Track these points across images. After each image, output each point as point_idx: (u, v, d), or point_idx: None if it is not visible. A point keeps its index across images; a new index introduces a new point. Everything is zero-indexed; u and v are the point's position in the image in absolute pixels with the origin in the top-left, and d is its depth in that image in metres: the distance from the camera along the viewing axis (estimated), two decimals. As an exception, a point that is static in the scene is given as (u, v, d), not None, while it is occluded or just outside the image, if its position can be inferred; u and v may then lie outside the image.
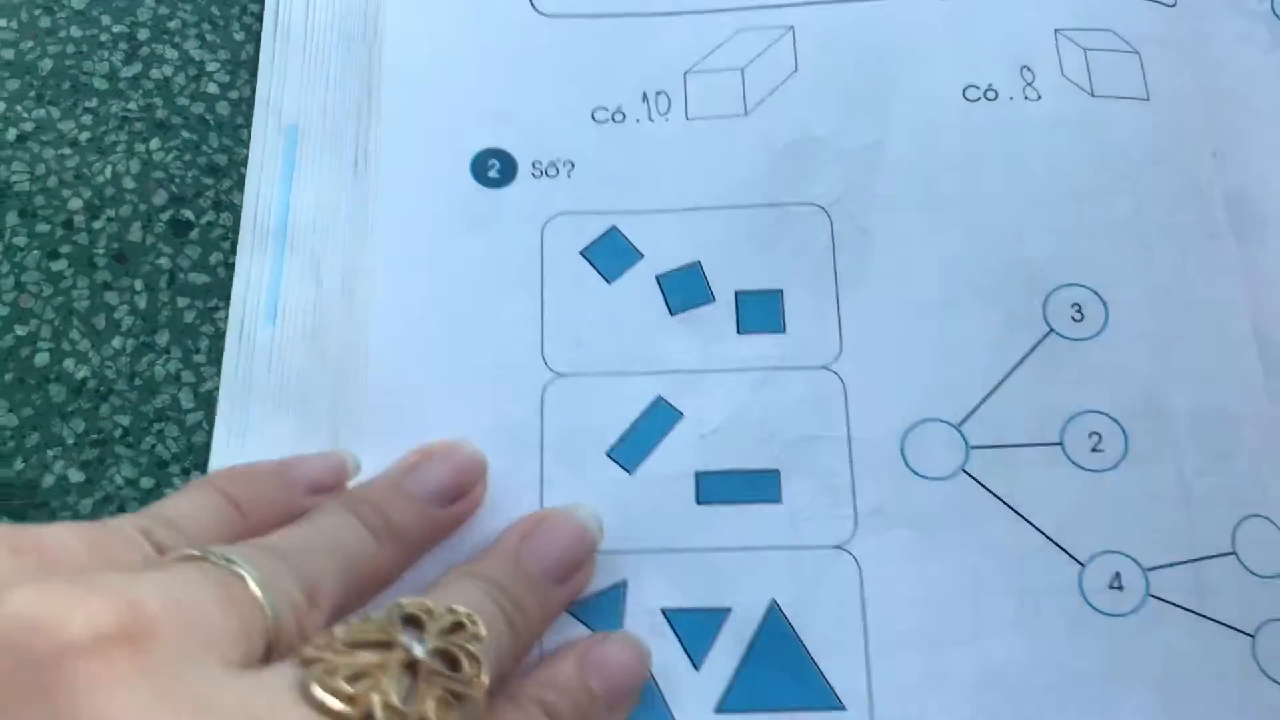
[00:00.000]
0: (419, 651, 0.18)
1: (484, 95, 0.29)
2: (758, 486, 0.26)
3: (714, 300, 0.27)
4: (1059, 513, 0.25)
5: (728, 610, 0.25)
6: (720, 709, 0.24)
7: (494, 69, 0.29)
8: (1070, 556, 0.25)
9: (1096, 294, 0.26)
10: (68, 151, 0.29)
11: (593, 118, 0.29)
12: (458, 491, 0.24)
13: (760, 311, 0.27)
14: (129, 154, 0.29)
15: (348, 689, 0.16)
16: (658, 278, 0.27)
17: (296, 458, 0.23)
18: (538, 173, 0.28)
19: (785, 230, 0.28)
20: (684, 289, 0.27)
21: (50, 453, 0.26)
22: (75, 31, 0.30)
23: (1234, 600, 0.24)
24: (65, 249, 0.28)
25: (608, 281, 0.27)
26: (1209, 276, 0.26)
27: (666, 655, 0.25)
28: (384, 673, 0.17)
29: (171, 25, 0.30)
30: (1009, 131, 0.27)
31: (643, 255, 0.27)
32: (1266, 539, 0.25)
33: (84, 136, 0.29)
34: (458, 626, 0.19)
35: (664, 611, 0.25)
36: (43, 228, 0.28)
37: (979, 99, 0.28)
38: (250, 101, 0.29)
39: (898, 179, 0.28)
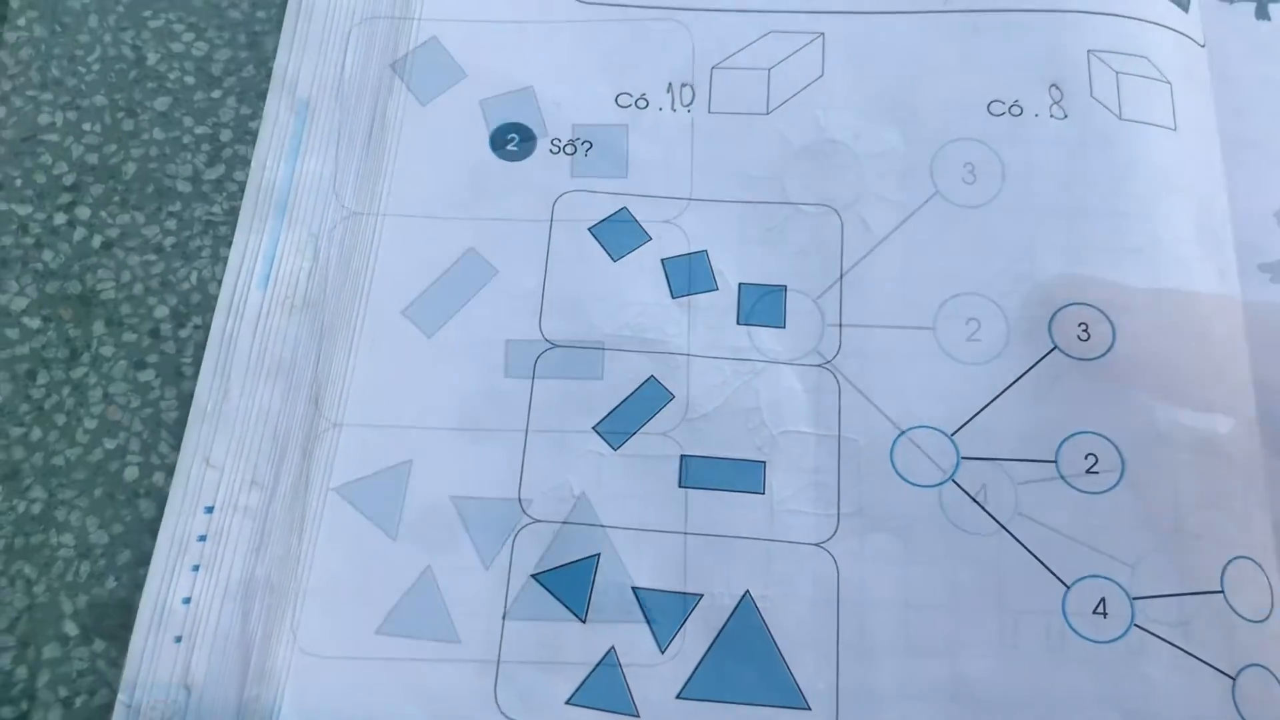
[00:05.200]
0: None
1: (513, 71, 0.29)
2: (742, 475, 0.25)
3: (717, 288, 0.27)
4: (1047, 532, 0.24)
5: (699, 596, 0.25)
6: (682, 695, 0.24)
7: (526, 46, 0.29)
8: (1056, 577, 0.24)
9: (1105, 315, 0.26)
10: (152, 257, 0.28)
11: (616, 101, 0.29)
12: None
13: (762, 304, 0.27)
14: (214, 259, 0.28)
15: None
16: (663, 261, 0.27)
17: None
18: (555, 149, 0.28)
19: (795, 228, 0.28)
20: (688, 275, 0.27)
21: (143, 571, 0.25)
22: (158, 134, 0.29)
23: (1219, 640, 0.23)
24: (152, 358, 0.27)
25: (613, 259, 0.27)
26: (1214, 314, 0.26)
27: (633, 635, 0.24)
28: None
29: (253, 126, 0.29)
30: (1031, 145, 0.27)
31: (650, 238, 0.28)
32: (1252, 581, 0.24)
33: (169, 241, 0.28)
34: None
35: (634, 590, 0.25)
36: (129, 336, 0.27)
37: (1004, 113, 0.28)
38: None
39: (911, 185, 0.28)
